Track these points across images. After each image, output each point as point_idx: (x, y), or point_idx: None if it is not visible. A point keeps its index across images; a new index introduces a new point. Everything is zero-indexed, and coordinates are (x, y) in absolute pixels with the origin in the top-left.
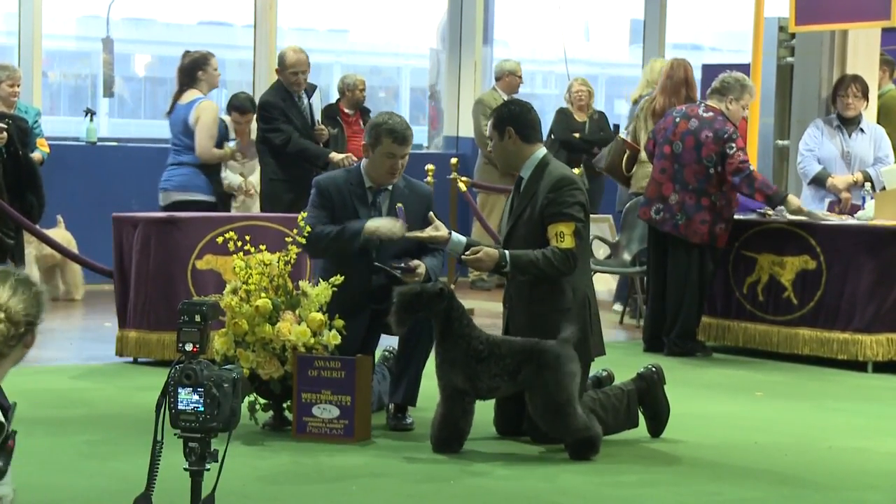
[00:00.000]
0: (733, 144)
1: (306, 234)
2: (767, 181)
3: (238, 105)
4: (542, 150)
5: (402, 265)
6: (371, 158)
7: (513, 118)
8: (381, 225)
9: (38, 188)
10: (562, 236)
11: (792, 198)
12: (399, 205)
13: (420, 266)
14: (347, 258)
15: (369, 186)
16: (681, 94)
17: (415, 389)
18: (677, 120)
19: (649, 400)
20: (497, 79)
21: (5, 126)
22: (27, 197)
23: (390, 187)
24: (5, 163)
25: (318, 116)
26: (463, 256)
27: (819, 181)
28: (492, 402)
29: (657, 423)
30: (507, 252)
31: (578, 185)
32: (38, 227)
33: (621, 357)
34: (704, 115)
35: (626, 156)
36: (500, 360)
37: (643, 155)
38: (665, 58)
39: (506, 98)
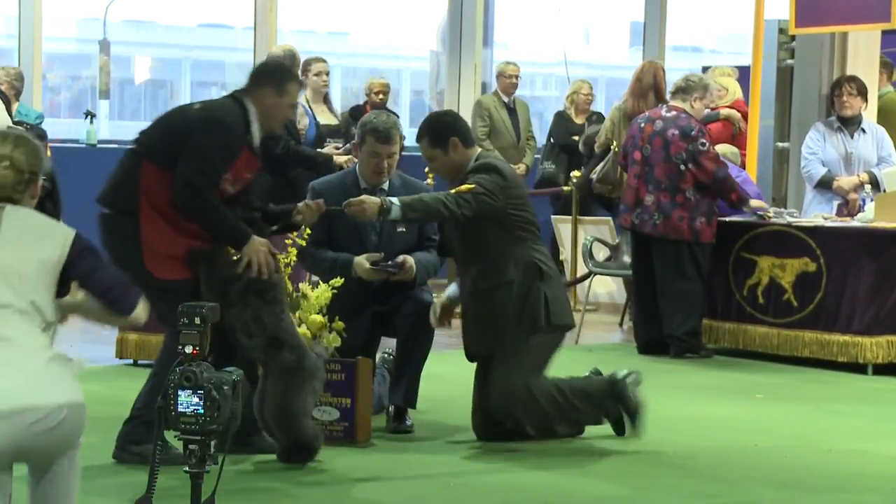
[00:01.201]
0: (704, 140)
1: (302, 248)
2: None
3: None
4: (477, 150)
5: (391, 264)
6: (360, 158)
7: (452, 127)
8: (364, 271)
9: (55, 195)
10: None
11: (755, 201)
12: None
13: (408, 260)
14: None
15: (364, 188)
16: (648, 98)
17: (414, 391)
18: (642, 125)
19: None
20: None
21: (24, 130)
22: (45, 204)
23: (385, 186)
24: None
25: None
26: (343, 203)
27: (825, 184)
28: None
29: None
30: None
31: (498, 170)
32: None
33: (620, 358)
34: (667, 114)
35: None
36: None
37: None
38: (665, 60)
39: (505, 100)
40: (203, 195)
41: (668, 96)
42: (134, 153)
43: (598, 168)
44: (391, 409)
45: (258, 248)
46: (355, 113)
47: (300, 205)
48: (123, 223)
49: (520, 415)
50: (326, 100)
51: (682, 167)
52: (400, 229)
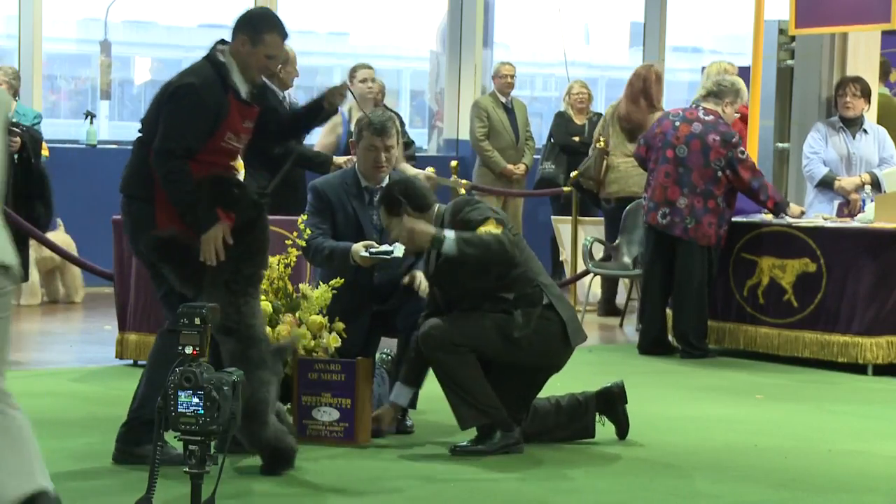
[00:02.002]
0: (743, 149)
1: (305, 241)
2: (775, 187)
3: None
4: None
5: (386, 249)
6: (358, 155)
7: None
8: (362, 256)
9: (47, 197)
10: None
11: (794, 206)
12: None
13: (416, 276)
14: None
15: (365, 186)
16: (639, 103)
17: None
18: (677, 124)
19: (609, 416)
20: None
21: (19, 132)
22: (35, 205)
23: (385, 183)
24: (16, 170)
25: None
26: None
27: (826, 184)
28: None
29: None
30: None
31: (474, 201)
32: (37, 229)
33: (620, 358)
34: (705, 118)
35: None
36: None
37: (612, 160)
38: (665, 61)
39: (503, 100)
40: (168, 165)
41: (662, 101)
42: (140, 141)
43: (585, 162)
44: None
45: (215, 236)
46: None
47: (327, 92)
48: (139, 209)
49: (433, 357)
50: (377, 106)
51: (720, 173)
52: None
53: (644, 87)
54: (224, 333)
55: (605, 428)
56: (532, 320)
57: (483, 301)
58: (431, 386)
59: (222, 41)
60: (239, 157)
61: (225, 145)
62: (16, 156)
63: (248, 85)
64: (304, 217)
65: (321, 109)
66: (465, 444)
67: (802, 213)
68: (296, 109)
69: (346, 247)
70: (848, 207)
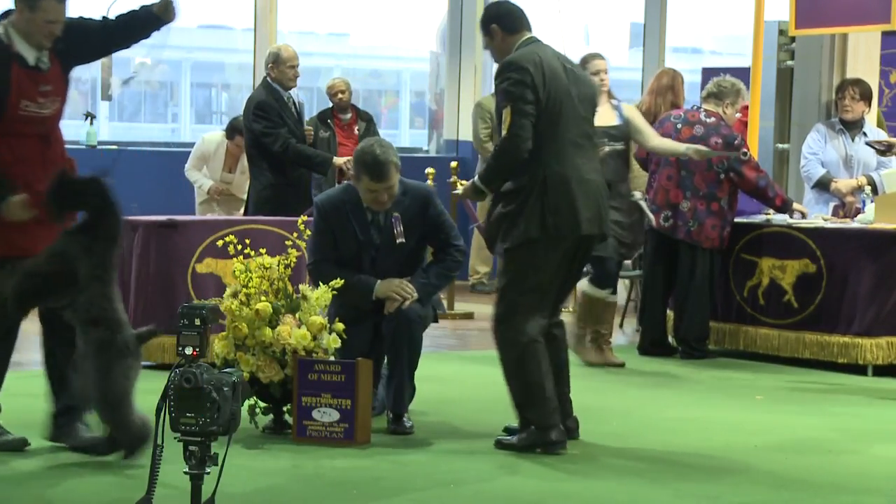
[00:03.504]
0: (746, 150)
1: (312, 265)
2: (779, 186)
3: (240, 129)
4: (524, 36)
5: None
6: (360, 190)
7: (493, 16)
8: (389, 292)
9: None
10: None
11: (797, 204)
12: (395, 214)
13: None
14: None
15: (367, 207)
16: (667, 98)
17: (401, 397)
18: (679, 126)
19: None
20: None
21: None
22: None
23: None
24: None
25: (305, 116)
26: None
27: (823, 185)
28: (495, 403)
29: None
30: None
31: (517, 65)
32: None
33: (621, 359)
34: (707, 120)
35: None
36: None
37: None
38: (665, 62)
39: None
40: None
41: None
42: None
43: None
44: (390, 412)
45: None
46: (322, 116)
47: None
48: None
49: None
50: (346, 111)
51: (722, 175)
52: (399, 240)
53: (672, 84)
54: (93, 325)
55: (605, 428)
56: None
57: None
58: (431, 386)
59: (4, 14)
60: (242, 157)
61: (24, 113)
62: None
63: (35, 51)
64: (304, 218)
65: (155, 18)
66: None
67: (804, 214)
68: (124, 15)
69: (368, 280)
70: (843, 209)
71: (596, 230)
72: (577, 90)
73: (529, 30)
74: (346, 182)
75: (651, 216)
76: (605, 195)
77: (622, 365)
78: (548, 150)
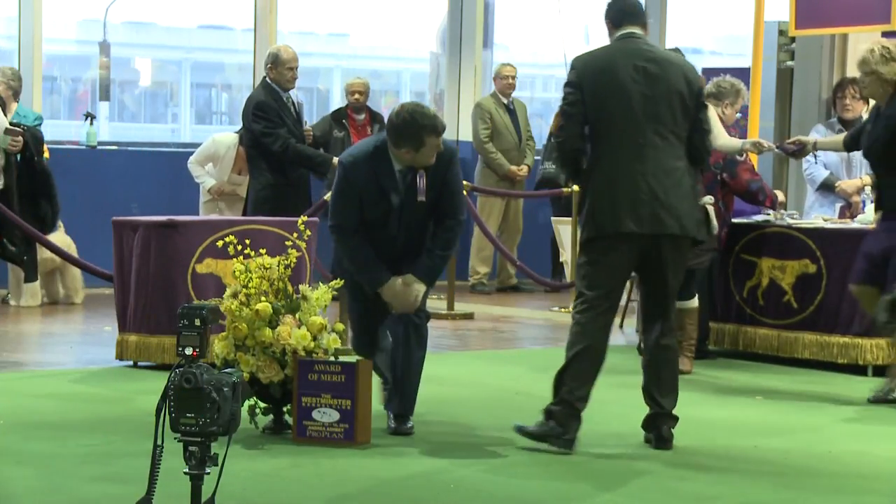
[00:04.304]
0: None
1: (334, 228)
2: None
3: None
4: (625, 31)
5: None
6: (412, 159)
7: (606, 10)
8: (397, 301)
9: (53, 196)
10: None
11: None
12: (421, 171)
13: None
14: (375, 234)
15: (399, 170)
16: None
17: (410, 399)
18: None
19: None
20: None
21: (21, 131)
22: (41, 205)
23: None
24: (20, 170)
25: (304, 118)
26: None
27: (828, 186)
28: (495, 403)
29: None
30: None
31: (571, 65)
32: (41, 230)
33: (621, 360)
34: None
35: None
36: None
37: None
38: None
39: (504, 101)
40: None
41: None
42: None
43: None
44: (390, 414)
45: None
46: (337, 116)
47: None
48: None
49: None
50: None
51: (719, 176)
52: (420, 198)
53: None
54: None
55: (605, 429)
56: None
57: None
58: (431, 387)
59: None
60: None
61: None
62: (18, 156)
63: None
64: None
65: None
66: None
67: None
68: None
69: (381, 275)
70: (849, 210)
71: (647, 229)
72: (649, 88)
73: (635, 24)
74: (373, 141)
75: (715, 222)
76: (667, 195)
77: (688, 372)
78: (599, 151)
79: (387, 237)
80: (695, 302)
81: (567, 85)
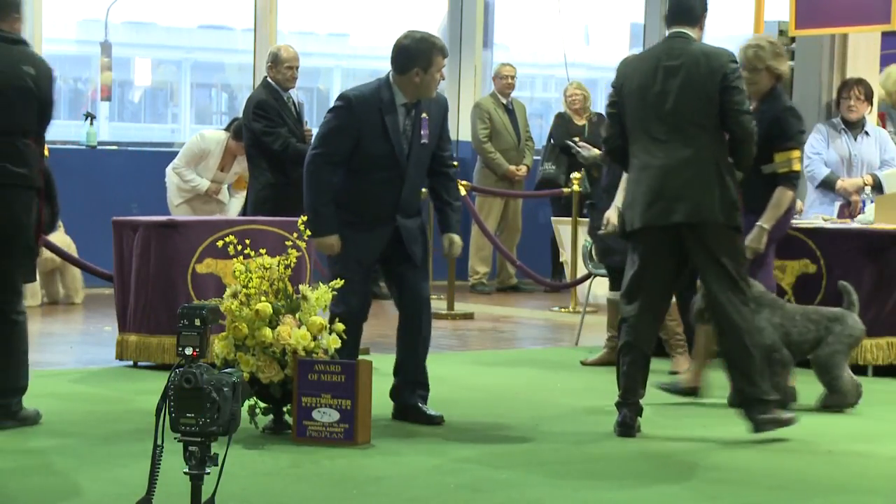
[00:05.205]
0: None
1: (321, 154)
2: None
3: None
4: (672, 30)
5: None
6: (420, 82)
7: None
8: (326, 248)
9: (53, 198)
10: None
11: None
12: (424, 115)
13: (455, 243)
14: (378, 175)
15: (403, 103)
16: None
17: (424, 367)
18: None
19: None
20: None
21: None
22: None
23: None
24: None
25: (305, 117)
26: None
27: (828, 185)
28: (495, 403)
29: None
30: None
31: (619, 64)
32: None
33: None
34: None
35: None
36: None
37: None
38: None
39: (503, 101)
40: None
41: None
42: None
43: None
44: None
45: None
46: None
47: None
48: None
49: None
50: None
51: None
52: (423, 141)
53: None
54: None
55: (605, 429)
56: None
57: None
58: (431, 386)
59: None
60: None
61: None
62: None
63: None
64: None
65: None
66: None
67: (800, 211)
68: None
69: (332, 223)
70: (849, 209)
71: (659, 221)
72: (665, 85)
73: (684, 23)
74: (374, 81)
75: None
76: (683, 186)
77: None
78: (631, 150)
79: (392, 179)
80: None
81: (611, 86)
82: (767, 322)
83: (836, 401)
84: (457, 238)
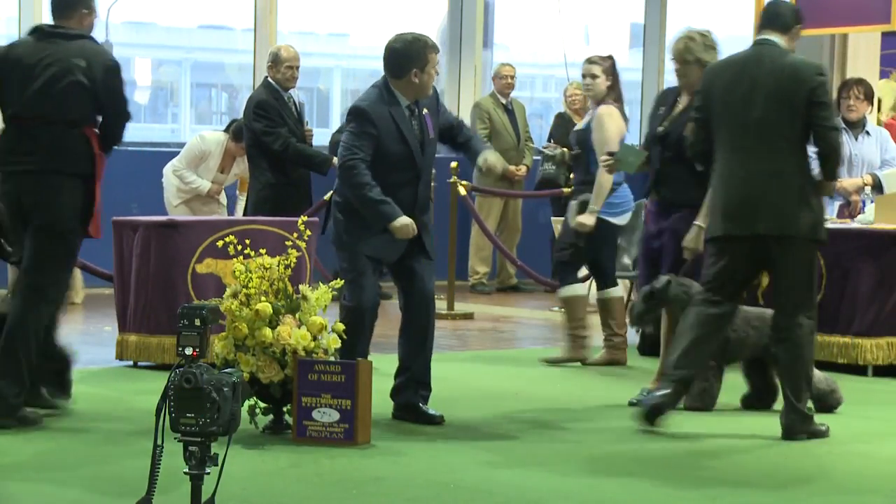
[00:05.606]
0: None
1: (350, 162)
2: None
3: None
4: (760, 36)
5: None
6: (419, 82)
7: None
8: (401, 230)
9: None
10: None
11: None
12: (425, 111)
13: (489, 158)
14: (396, 177)
15: (407, 105)
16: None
17: (429, 368)
18: None
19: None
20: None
21: None
22: None
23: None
24: None
25: (306, 118)
26: None
27: None
28: (495, 403)
29: None
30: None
31: (706, 69)
32: None
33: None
34: None
35: None
36: None
37: None
38: (665, 62)
39: (503, 101)
40: None
41: None
42: None
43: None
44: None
45: None
46: None
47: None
48: None
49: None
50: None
51: None
52: (431, 136)
53: None
54: None
55: (605, 428)
56: None
57: None
58: (431, 386)
59: None
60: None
61: None
62: None
63: None
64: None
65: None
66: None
67: None
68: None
69: (394, 209)
70: (849, 208)
71: (742, 231)
72: (752, 94)
73: (773, 29)
74: (373, 90)
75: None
76: (765, 197)
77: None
78: (715, 156)
79: (410, 179)
80: (615, 291)
81: (697, 91)
82: None
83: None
84: (490, 153)
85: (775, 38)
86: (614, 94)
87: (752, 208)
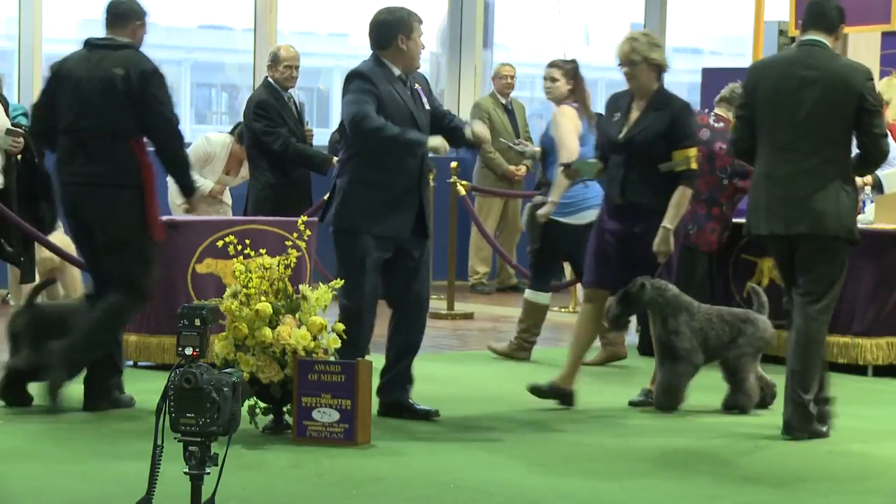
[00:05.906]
0: None
1: (361, 116)
2: None
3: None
4: (805, 36)
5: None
6: (407, 49)
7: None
8: (440, 146)
9: (51, 197)
10: None
11: None
12: (417, 86)
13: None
14: (398, 155)
15: (398, 75)
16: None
17: (411, 379)
18: None
19: None
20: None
21: (22, 132)
22: (40, 206)
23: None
24: (20, 171)
25: (306, 118)
26: None
27: None
28: (495, 402)
29: None
30: None
31: (750, 67)
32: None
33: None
34: (716, 125)
35: None
36: None
37: None
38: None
39: (502, 101)
40: None
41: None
42: None
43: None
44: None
45: None
46: None
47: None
48: None
49: None
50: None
51: (725, 181)
52: (427, 107)
53: None
54: None
55: (605, 428)
56: None
57: None
58: (431, 386)
59: None
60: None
61: None
62: (19, 156)
63: None
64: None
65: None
66: None
67: None
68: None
69: (419, 135)
70: None
71: (779, 230)
72: (800, 95)
73: (818, 30)
74: (368, 61)
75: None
76: (804, 197)
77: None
78: (758, 153)
79: (415, 162)
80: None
81: (741, 88)
82: (687, 326)
83: (741, 401)
84: (476, 123)
85: (822, 38)
86: (575, 96)
87: (793, 208)
